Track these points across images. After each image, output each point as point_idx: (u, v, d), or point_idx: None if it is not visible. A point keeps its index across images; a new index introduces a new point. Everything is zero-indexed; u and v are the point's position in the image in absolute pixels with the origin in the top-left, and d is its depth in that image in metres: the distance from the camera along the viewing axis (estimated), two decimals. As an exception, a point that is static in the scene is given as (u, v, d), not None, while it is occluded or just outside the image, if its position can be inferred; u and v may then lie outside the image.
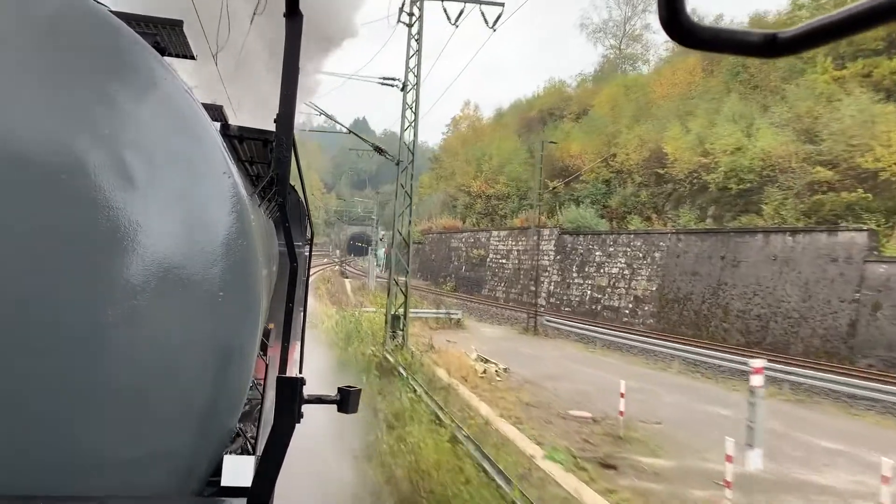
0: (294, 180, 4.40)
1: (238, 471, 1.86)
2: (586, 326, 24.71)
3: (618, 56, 66.81)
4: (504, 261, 42.38)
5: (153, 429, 1.59)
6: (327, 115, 15.91)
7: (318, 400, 1.85)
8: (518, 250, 40.78)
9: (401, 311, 18.49)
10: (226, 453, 1.97)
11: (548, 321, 25.98)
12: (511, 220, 45.97)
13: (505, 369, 17.32)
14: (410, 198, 18.32)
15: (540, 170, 28.19)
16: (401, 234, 18.60)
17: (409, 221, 18.53)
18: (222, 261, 1.73)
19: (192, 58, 3.08)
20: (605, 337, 22.74)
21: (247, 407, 3.05)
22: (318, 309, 25.81)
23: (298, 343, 5.04)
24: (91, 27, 1.69)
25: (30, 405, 1.42)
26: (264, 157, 2.91)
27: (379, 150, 17.73)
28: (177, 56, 2.83)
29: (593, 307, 32.61)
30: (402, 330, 17.85)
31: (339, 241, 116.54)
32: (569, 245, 35.31)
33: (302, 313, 5.30)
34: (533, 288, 37.79)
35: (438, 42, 20.58)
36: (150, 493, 1.60)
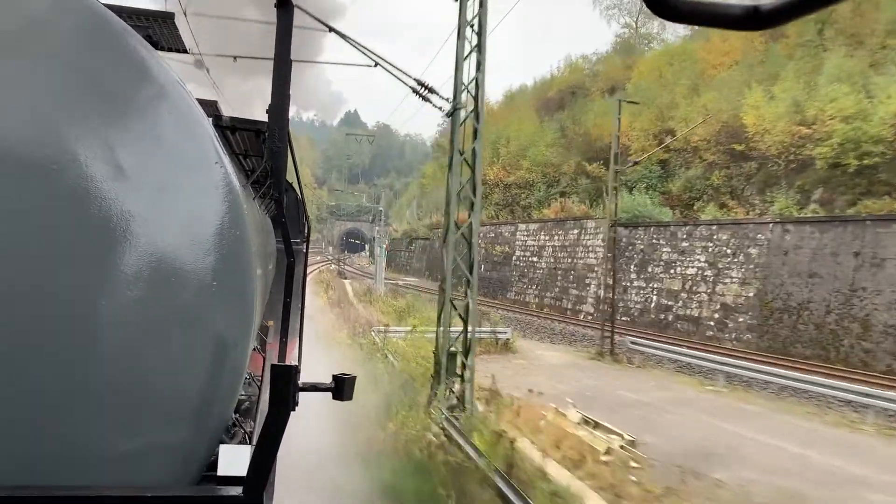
0: (289, 176, 3.67)
1: (234, 460, 1.89)
2: (696, 353, 18.07)
3: (633, 35, 60.39)
4: (535, 259, 35.82)
5: (148, 420, 1.57)
6: (353, 43, 9.57)
7: (314, 388, 1.82)
8: (553, 246, 34.24)
9: (456, 345, 11.84)
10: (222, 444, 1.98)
11: (633, 343, 19.39)
12: (539, 211, 39.43)
13: (632, 442, 10.75)
14: (473, 170, 11.66)
15: (617, 139, 21.53)
16: (457, 226, 11.92)
17: (474, 204, 11.87)
18: (215, 251, 1.71)
19: (185, 51, 3.24)
20: (723, 368, 16.19)
21: (247, 404, 3.20)
22: (323, 328, 19.15)
23: (297, 340, 4.73)
24: (83, 20, 1.68)
25: (25, 398, 1.39)
26: (258, 149, 3.00)
27: (422, 89, 11.00)
28: (169, 50, 2.96)
29: (662, 317, 26.11)
30: (462, 377, 11.24)
31: (332, 237, 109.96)
32: (624, 240, 28.75)
33: (300, 310, 4.96)
34: (576, 291, 31.34)
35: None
36: (147, 483, 1.55)
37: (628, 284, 28.22)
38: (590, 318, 28.88)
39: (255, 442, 2.01)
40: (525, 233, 37.55)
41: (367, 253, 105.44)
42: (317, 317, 22.32)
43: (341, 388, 1.83)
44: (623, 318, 27.22)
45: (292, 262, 3.01)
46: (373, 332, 18.58)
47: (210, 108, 2.87)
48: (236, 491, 1.61)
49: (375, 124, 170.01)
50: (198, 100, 2.06)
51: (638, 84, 38.18)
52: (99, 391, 1.50)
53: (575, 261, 31.95)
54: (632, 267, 28.32)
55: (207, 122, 1.91)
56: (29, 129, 1.47)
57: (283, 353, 3.29)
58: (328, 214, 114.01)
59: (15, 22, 1.54)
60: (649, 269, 27.35)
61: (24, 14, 1.56)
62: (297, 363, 2.32)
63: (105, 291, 1.50)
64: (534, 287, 35.43)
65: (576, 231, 32.54)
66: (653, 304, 26.80)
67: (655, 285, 26.83)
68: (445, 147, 70.11)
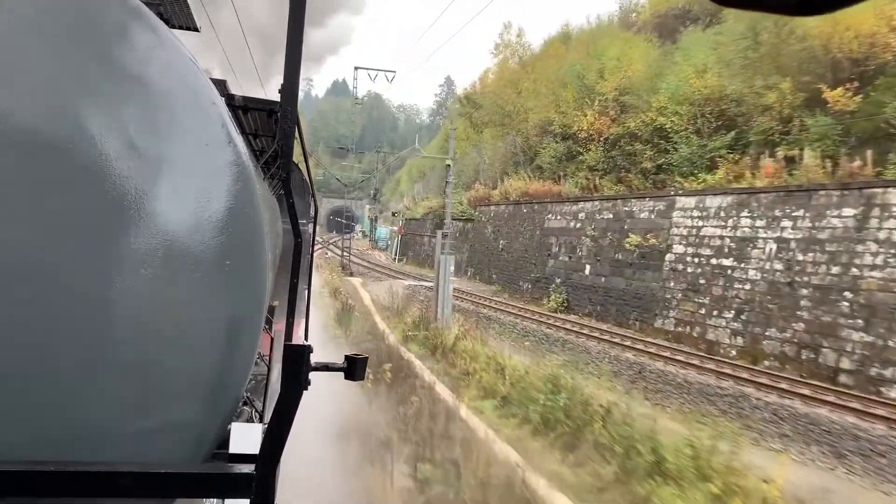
0: (297, 157, 3.86)
1: (246, 438, 1.89)
2: None
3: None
4: (727, 260, 19.13)
5: (161, 398, 1.58)
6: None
7: (325, 367, 1.84)
8: (783, 238, 17.63)
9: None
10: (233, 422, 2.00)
11: None
12: (695, 177, 22.81)
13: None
14: None
15: None
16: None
17: None
18: (229, 229, 1.70)
19: (196, 29, 3.28)
20: None
21: (252, 382, 3.30)
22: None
23: (303, 320, 4.88)
24: None
25: (38, 376, 1.40)
26: (268, 129, 3.16)
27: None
28: (180, 28, 3.01)
29: None
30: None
31: (319, 216, 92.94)
32: None
33: (306, 291, 4.99)
34: (867, 337, 14.88)
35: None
36: (160, 460, 1.57)
37: None
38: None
39: (265, 421, 2.16)
40: (695, 213, 20.84)
41: (362, 235, 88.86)
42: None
43: (353, 368, 1.84)
44: None
45: (299, 242, 2.97)
46: None
47: (220, 87, 2.61)
48: (248, 468, 1.56)
49: (366, 94, 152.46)
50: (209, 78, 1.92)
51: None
52: (112, 369, 1.48)
53: (857, 271, 15.41)
54: None
55: (221, 102, 1.85)
56: (44, 108, 1.44)
57: (289, 333, 3.30)
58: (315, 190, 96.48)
59: (29, 2, 1.52)
60: None
61: None
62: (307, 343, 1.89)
63: (120, 269, 1.49)
64: (728, 313, 18.81)
65: (854, 210, 15.96)
66: None
67: None
68: (474, 99, 52.61)
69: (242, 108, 2.75)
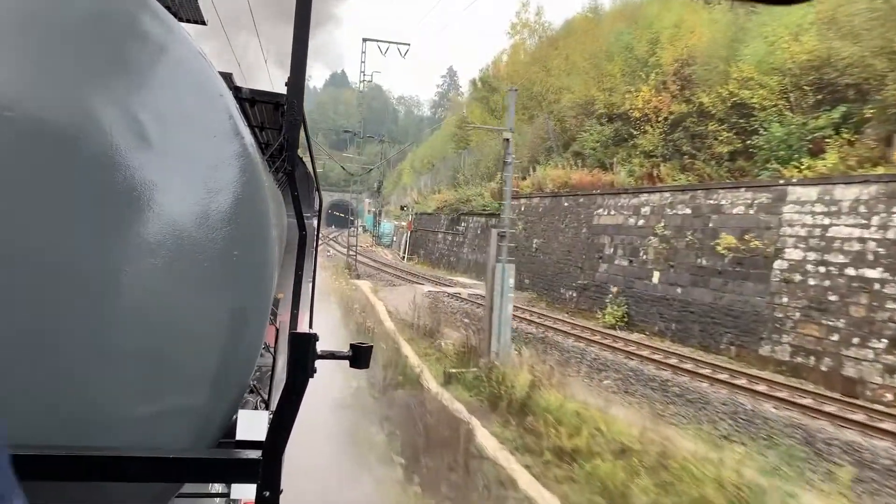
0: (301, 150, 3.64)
1: (252, 425, 1.96)
2: None
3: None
4: (885, 275, 14.22)
5: (169, 386, 1.59)
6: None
7: (331, 355, 1.84)
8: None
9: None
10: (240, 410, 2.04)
11: None
12: (796, 165, 17.87)
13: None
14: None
15: None
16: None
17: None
18: (236, 221, 1.71)
19: (203, 23, 3.43)
20: None
21: (258, 373, 3.23)
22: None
23: (308, 313, 4.74)
24: None
25: (48, 363, 1.42)
26: (274, 122, 3.08)
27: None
28: (188, 21, 3.05)
29: None
30: None
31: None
32: None
33: (311, 283, 5.06)
34: None
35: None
36: (168, 446, 1.58)
37: None
38: None
39: (271, 409, 2.08)
40: (818, 207, 15.91)
41: (363, 229, 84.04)
42: None
43: (358, 356, 1.84)
44: None
45: (304, 234, 3.10)
46: None
47: (226, 80, 2.47)
48: (255, 454, 1.60)
49: (369, 78, 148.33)
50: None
51: None
52: (121, 356, 1.50)
53: None
54: None
55: (229, 94, 1.86)
56: (54, 99, 1.45)
57: (294, 324, 3.35)
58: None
59: None
60: None
61: None
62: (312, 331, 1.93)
63: (128, 259, 1.50)
64: (877, 342, 13.89)
65: None
66: None
67: None
68: (491, 83, 47.46)
69: (249, 101, 2.80)
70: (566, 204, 26.28)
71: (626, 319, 21.03)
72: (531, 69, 39.62)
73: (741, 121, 21.71)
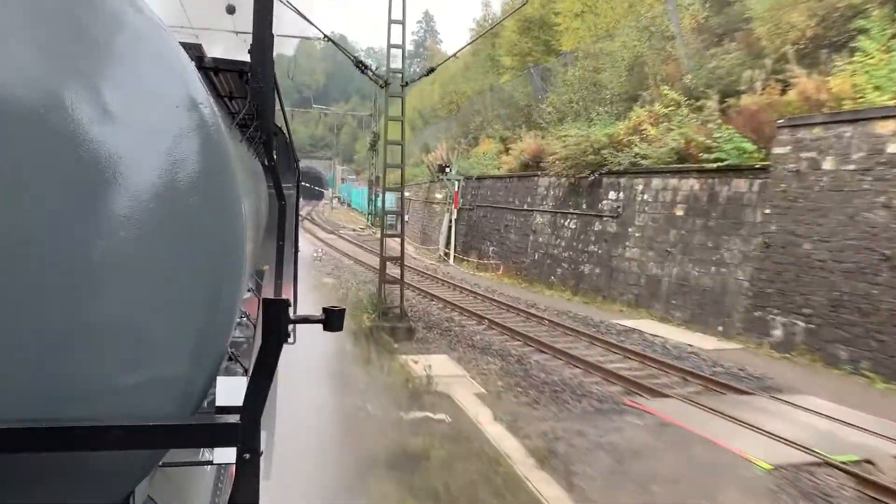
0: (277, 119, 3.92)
1: (231, 391, 2.05)
2: None
3: None
4: None
5: (148, 356, 1.62)
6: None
7: (304, 320, 1.91)
8: None
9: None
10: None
11: None
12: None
13: None
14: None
15: None
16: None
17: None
18: (202, 191, 1.71)
19: None
20: None
21: (245, 345, 3.43)
22: None
23: (291, 282, 4.86)
24: None
25: (27, 337, 1.41)
26: (243, 91, 3.07)
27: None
28: None
29: None
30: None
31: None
32: None
33: (294, 254, 5.21)
34: None
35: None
36: (148, 416, 1.62)
37: None
38: None
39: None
40: None
41: (338, 201, 77.09)
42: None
43: (331, 319, 1.88)
44: None
45: (283, 204, 3.07)
46: None
47: (194, 50, 2.69)
48: (234, 419, 1.65)
49: (367, 49, 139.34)
50: (181, 43, 1.98)
51: None
52: (97, 329, 1.52)
53: None
54: None
55: (190, 64, 1.85)
56: (14, 75, 1.44)
57: (277, 294, 3.39)
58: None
59: None
60: None
61: None
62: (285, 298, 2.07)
63: (99, 232, 1.51)
64: None
65: None
66: None
67: None
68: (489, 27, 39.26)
69: (213, 70, 2.77)
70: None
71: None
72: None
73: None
